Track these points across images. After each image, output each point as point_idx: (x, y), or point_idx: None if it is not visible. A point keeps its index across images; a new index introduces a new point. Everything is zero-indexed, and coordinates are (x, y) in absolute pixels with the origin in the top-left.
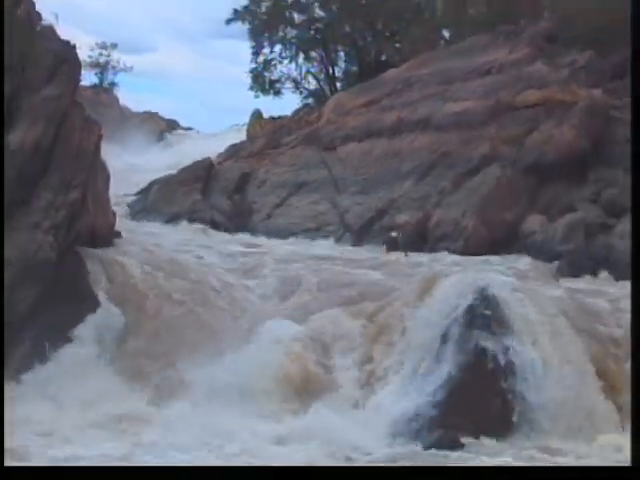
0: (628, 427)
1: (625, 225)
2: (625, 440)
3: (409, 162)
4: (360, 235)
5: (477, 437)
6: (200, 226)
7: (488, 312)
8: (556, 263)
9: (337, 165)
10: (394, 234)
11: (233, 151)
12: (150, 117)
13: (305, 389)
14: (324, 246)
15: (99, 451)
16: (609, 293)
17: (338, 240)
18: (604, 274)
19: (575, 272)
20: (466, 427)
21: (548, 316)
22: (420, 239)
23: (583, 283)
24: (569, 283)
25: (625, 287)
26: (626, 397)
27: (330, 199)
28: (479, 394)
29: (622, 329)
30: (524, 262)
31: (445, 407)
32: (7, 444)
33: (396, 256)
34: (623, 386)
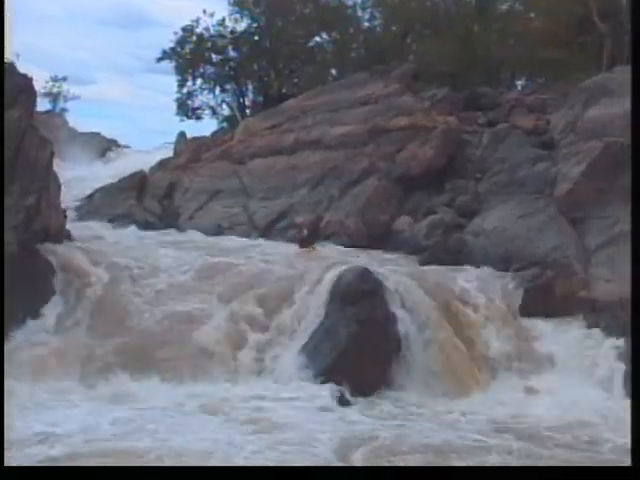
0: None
1: (474, 224)
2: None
3: (305, 174)
4: (265, 232)
5: (364, 394)
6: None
7: (369, 289)
8: (420, 254)
9: (246, 176)
10: None
11: (162, 165)
12: (94, 137)
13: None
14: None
15: None
16: (459, 275)
17: (248, 236)
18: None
19: (435, 261)
20: (352, 385)
21: (414, 290)
22: (313, 235)
23: (441, 269)
24: (429, 268)
25: (471, 270)
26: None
27: (241, 203)
28: (363, 356)
29: (470, 305)
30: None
31: (334, 367)
32: None
33: None
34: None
